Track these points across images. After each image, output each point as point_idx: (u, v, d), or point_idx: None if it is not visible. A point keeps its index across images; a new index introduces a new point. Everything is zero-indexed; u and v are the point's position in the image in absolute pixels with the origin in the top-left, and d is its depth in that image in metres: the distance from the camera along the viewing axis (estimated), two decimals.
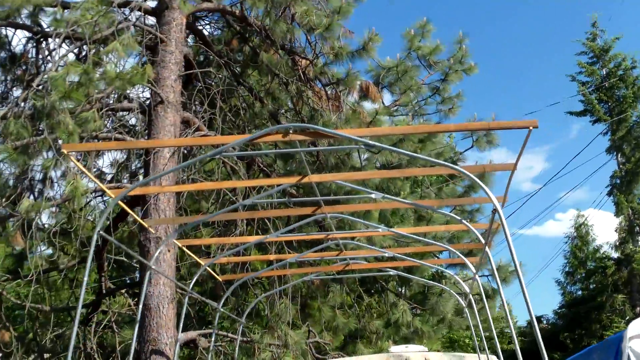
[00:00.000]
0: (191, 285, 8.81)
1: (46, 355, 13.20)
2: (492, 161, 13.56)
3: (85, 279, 5.96)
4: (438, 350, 11.47)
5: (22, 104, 9.40)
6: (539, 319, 39.05)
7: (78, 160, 11.71)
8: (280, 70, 12.43)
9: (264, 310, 12.16)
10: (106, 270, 13.14)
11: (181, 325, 9.51)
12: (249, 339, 11.73)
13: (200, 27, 13.79)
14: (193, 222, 8.30)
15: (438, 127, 6.96)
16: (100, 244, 12.43)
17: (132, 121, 12.66)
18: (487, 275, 14.59)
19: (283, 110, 13.37)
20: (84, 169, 6.28)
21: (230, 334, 12.02)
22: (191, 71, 11.92)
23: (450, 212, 13.80)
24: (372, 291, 16.49)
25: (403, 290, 14.50)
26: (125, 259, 13.94)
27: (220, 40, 14.07)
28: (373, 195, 6.28)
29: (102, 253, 12.58)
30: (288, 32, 11.82)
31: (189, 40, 14.23)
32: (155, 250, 9.73)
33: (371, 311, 14.25)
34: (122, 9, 10.91)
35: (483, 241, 6.72)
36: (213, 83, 13.32)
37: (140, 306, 8.98)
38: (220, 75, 12.82)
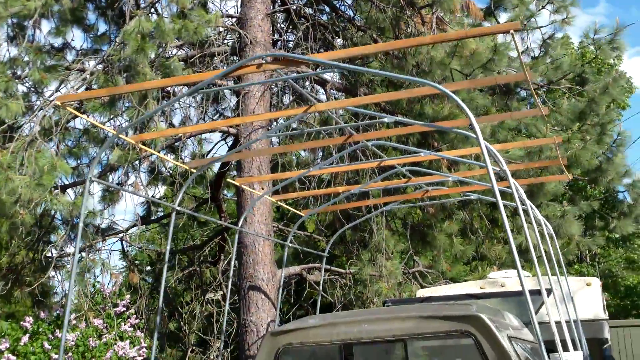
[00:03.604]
0: (241, 222, 8.94)
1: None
2: (620, 70, 12.59)
3: None
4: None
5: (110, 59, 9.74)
6: None
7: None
8: None
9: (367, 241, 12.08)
10: (225, 211, 13.58)
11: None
12: (354, 271, 11.78)
13: None
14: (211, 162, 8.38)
15: (408, 42, 6.48)
16: (214, 187, 12.83)
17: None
18: (622, 192, 14.05)
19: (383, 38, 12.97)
20: (81, 115, 6.56)
21: (337, 268, 12.12)
22: (279, 8, 11.84)
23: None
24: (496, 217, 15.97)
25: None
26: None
27: None
28: (385, 119, 6.05)
29: (217, 195, 12.96)
30: None
31: None
32: (248, 192, 9.96)
33: (492, 236, 13.75)
34: None
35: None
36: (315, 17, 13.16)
37: (236, 244, 9.30)
38: (317, 9, 12.61)
